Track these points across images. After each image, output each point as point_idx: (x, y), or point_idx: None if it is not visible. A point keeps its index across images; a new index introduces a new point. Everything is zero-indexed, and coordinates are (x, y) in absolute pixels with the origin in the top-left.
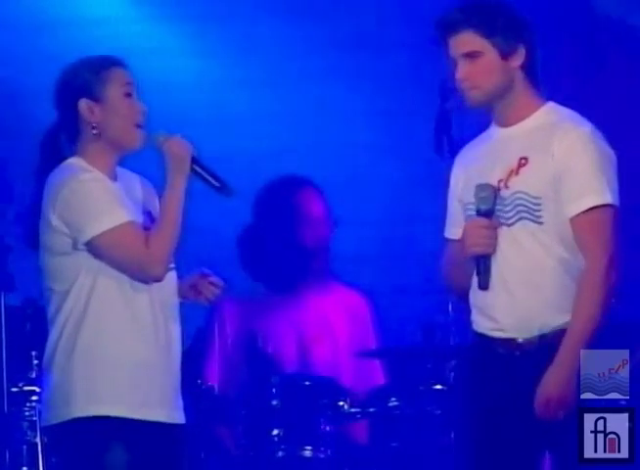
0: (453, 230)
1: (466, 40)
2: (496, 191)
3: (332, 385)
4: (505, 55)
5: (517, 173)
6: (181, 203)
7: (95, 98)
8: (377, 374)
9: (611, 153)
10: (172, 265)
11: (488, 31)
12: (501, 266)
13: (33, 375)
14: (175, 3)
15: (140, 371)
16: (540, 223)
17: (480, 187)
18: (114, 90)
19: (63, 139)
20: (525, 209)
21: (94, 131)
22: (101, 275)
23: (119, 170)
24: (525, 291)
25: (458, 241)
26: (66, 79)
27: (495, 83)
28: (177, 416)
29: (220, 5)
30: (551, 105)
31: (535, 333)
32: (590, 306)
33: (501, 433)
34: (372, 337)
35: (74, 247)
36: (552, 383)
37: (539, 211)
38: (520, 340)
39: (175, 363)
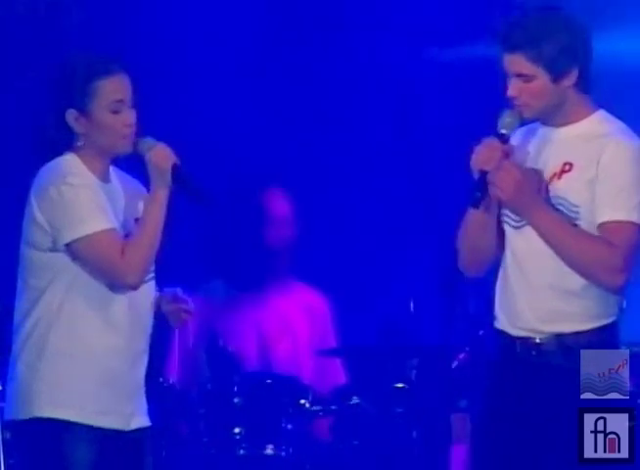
0: None
1: (517, 62)
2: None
3: (293, 383)
4: (556, 79)
5: (559, 178)
6: (161, 215)
7: (81, 110)
8: (338, 373)
9: None
10: (152, 275)
11: (539, 58)
12: (528, 267)
13: None
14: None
15: (106, 379)
16: None
17: (509, 112)
18: (99, 106)
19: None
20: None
21: (79, 143)
22: (79, 278)
23: (115, 172)
24: (550, 294)
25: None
26: (57, 85)
27: (546, 104)
28: (139, 422)
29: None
30: (601, 113)
31: (553, 333)
32: (587, 243)
33: (510, 432)
34: (332, 336)
35: (54, 246)
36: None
37: (577, 219)
38: (537, 340)
39: (141, 371)
